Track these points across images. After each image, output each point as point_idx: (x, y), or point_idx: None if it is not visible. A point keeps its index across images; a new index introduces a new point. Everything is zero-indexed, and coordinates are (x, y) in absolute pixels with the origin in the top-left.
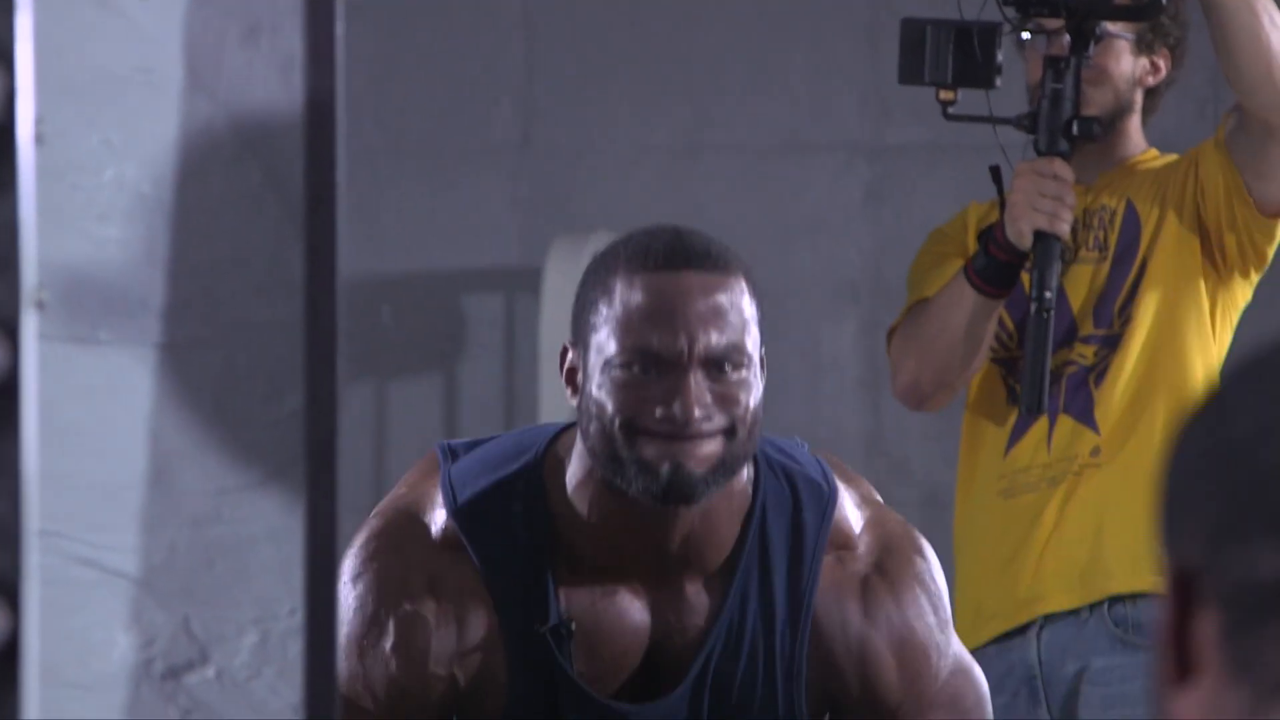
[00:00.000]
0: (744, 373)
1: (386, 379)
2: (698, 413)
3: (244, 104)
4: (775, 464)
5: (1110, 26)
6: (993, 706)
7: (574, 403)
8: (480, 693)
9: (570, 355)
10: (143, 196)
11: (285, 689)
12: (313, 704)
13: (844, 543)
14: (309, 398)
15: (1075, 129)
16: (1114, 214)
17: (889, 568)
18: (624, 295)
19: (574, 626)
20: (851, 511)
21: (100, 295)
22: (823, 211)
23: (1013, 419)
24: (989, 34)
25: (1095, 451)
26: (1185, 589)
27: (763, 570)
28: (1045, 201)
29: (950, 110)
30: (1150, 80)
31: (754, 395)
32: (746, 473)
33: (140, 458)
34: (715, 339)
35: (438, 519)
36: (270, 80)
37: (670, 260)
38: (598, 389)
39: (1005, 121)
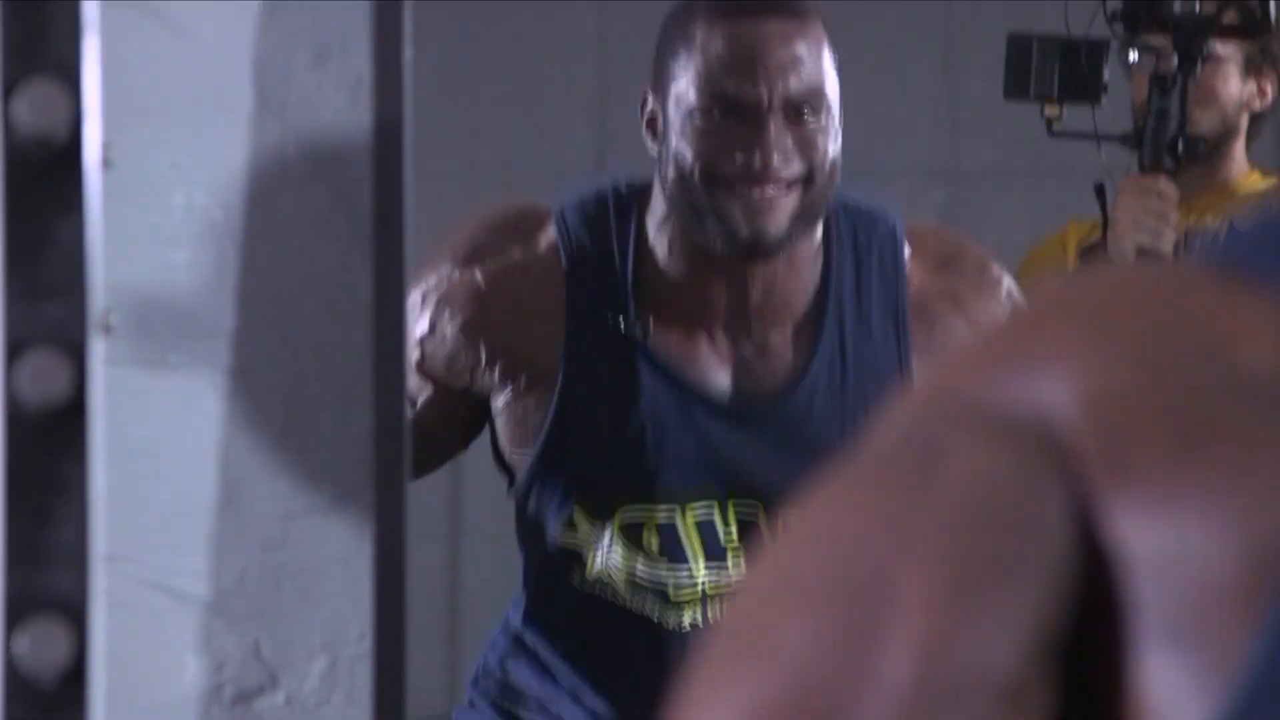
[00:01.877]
0: (823, 119)
1: None
2: (777, 158)
3: (313, 126)
4: (842, 208)
5: (1219, 48)
6: None
7: (654, 151)
8: (533, 383)
9: (650, 102)
10: (212, 220)
11: (355, 714)
12: None
13: (922, 251)
14: (377, 419)
15: (1181, 148)
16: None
17: (973, 278)
18: (704, 42)
19: (651, 332)
20: (925, 231)
21: (169, 319)
22: None
23: None
24: (1097, 50)
25: None
26: None
27: (849, 302)
28: (1149, 219)
29: (1054, 127)
30: (1257, 104)
31: (833, 142)
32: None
33: (209, 481)
34: (795, 85)
35: (547, 228)
36: (339, 102)
37: (750, 6)
38: (678, 137)
39: (1110, 139)
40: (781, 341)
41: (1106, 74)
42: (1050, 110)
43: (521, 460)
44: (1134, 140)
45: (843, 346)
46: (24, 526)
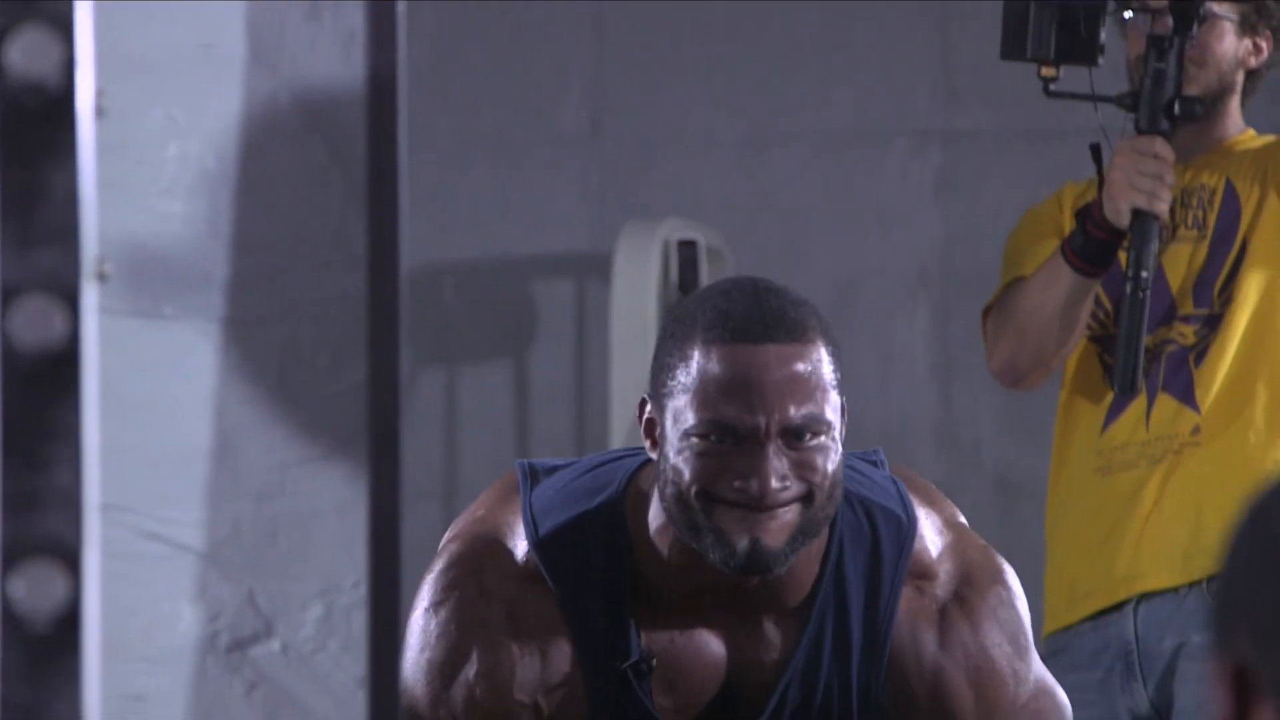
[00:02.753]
0: (822, 438)
1: (456, 367)
2: (774, 484)
3: (306, 79)
4: (852, 496)
5: (1214, 7)
6: (1088, 682)
7: (653, 455)
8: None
9: (649, 408)
10: (206, 172)
11: (349, 662)
12: (376, 677)
13: (923, 572)
14: (372, 371)
15: (1177, 108)
16: (1213, 194)
17: (968, 597)
18: (701, 365)
19: (654, 663)
20: (931, 539)
21: (164, 270)
22: (893, 199)
23: (1110, 397)
24: (1094, 11)
25: (1196, 431)
26: (1243, 685)
27: (839, 606)
28: (1145, 180)
29: (1051, 88)
30: (1252, 61)
31: (832, 459)
32: None
33: (204, 432)
34: (793, 412)
35: (519, 549)
36: (332, 55)
37: (748, 331)
38: (676, 454)
39: (1106, 100)
40: (772, 628)
41: (1103, 36)
42: (1047, 71)
43: None
44: (1130, 101)
45: (820, 645)
46: (19, 471)
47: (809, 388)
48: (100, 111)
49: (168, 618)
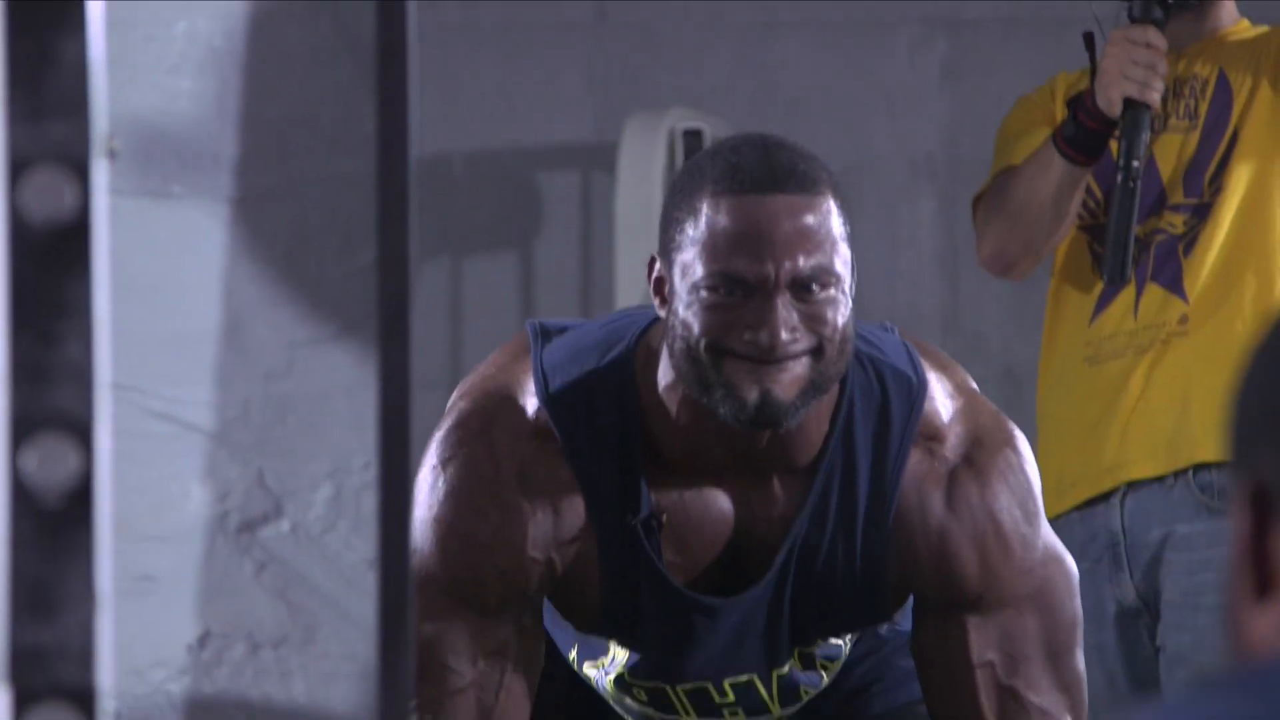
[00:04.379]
0: (832, 291)
1: (462, 256)
2: (784, 336)
3: None
4: (863, 357)
5: None
6: (1076, 573)
7: (662, 313)
8: (577, 580)
9: (658, 267)
10: (214, 49)
11: (359, 543)
12: (387, 557)
13: (933, 434)
14: (382, 252)
15: None
16: (1205, 83)
17: (977, 459)
18: (710, 217)
19: (664, 519)
20: (942, 402)
21: (173, 149)
22: (900, 87)
23: (1099, 287)
24: None
25: (1183, 320)
26: (1262, 504)
27: (847, 464)
28: (1137, 69)
29: None
30: None
31: (842, 312)
32: None
33: (213, 312)
34: (802, 262)
35: (529, 405)
36: None
37: (757, 182)
38: (685, 309)
39: None
40: (781, 486)
41: None
42: None
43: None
44: None
45: (826, 503)
46: (30, 344)
47: (818, 238)
48: None
49: (177, 498)
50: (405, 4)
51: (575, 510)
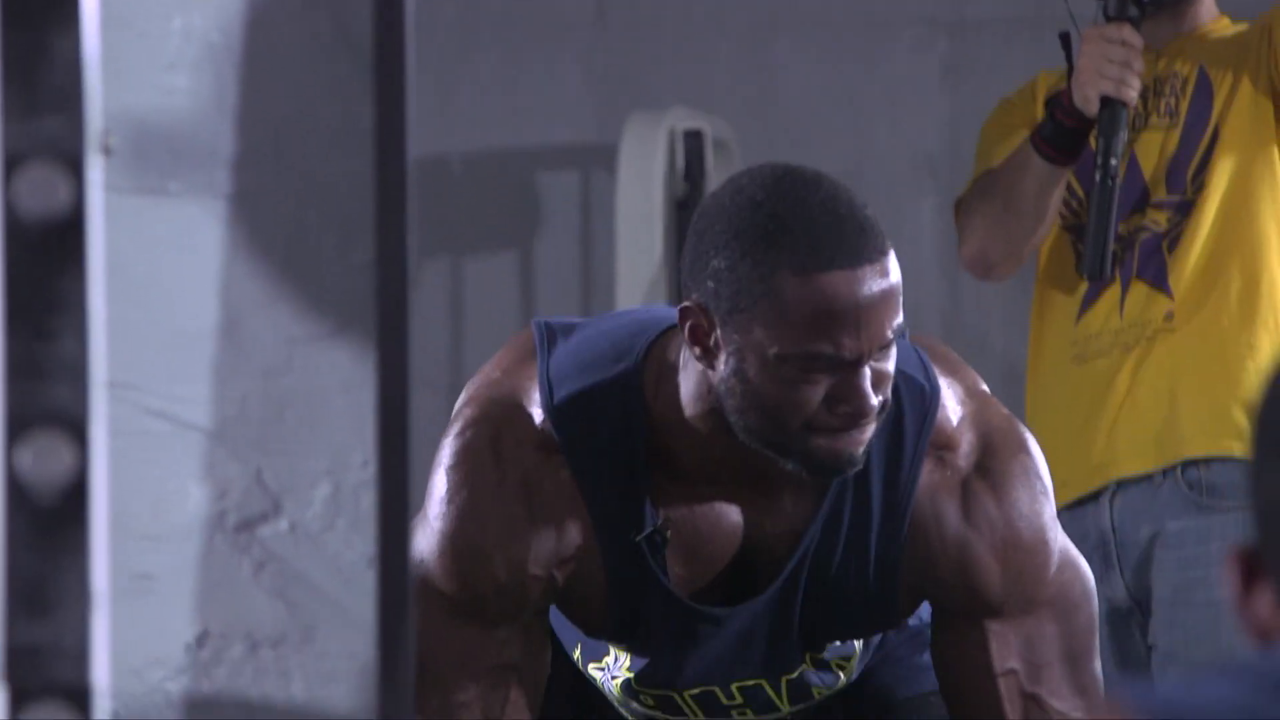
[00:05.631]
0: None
1: (462, 256)
2: (872, 402)
3: None
4: None
5: None
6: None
7: (701, 364)
8: (580, 594)
9: (705, 319)
10: (211, 46)
11: (358, 541)
12: (385, 556)
13: (945, 443)
14: (380, 248)
15: None
16: (1185, 81)
17: (991, 467)
18: (798, 293)
19: (669, 534)
20: (953, 408)
21: (169, 146)
22: (900, 87)
23: (1084, 286)
24: None
25: (1169, 316)
26: (1247, 564)
27: (859, 476)
28: (1112, 68)
29: None
30: None
31: (895, 358)
32: None
33: (211, 309)
34: (889, 330)
35: (535, 415)
36: None
37: (838, 257)
38: (760, 377)
39: None
40: (791, 498)
41: None
42: None
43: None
44: None
45: (839, 515)
46: (25, 340)
47: (897, 302)
48: None
49: (175, 496)
50: (403, 1)
51: (579, 526)
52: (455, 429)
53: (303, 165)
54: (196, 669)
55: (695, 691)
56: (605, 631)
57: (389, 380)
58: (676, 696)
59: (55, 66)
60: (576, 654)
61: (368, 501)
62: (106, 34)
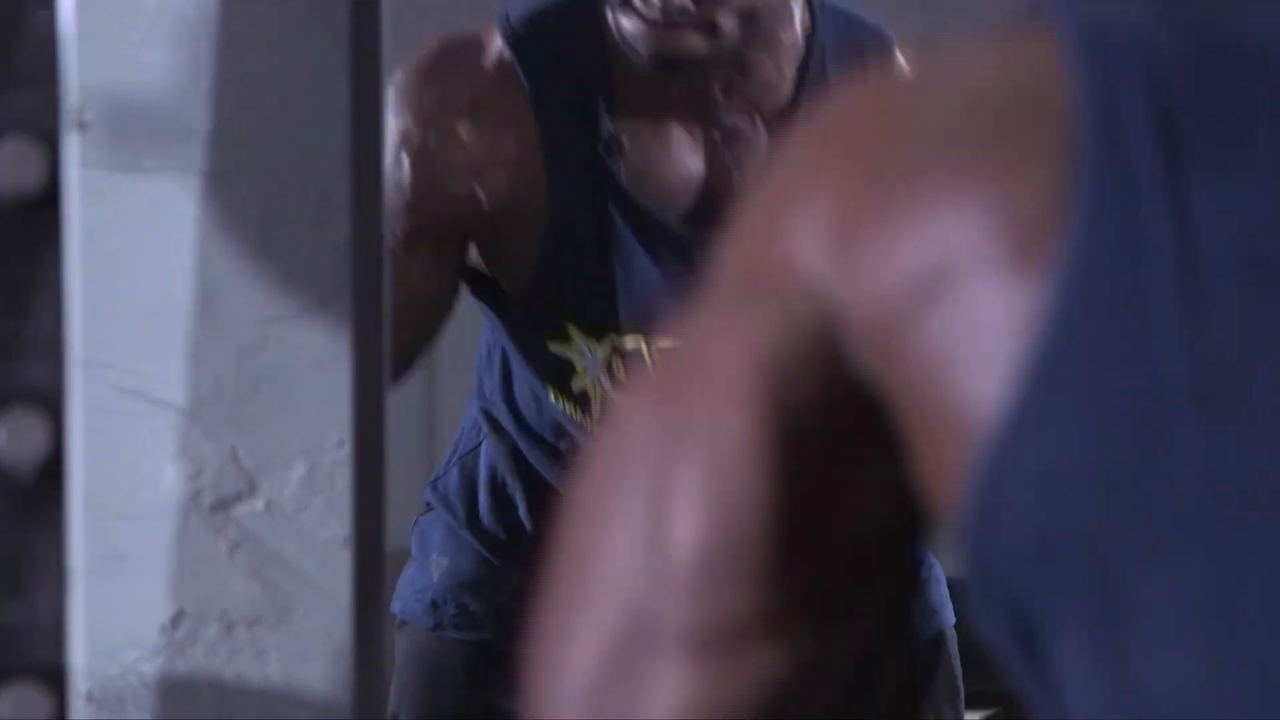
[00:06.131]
0: None
1: None
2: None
3: None
4: (836, 12)
5: None
6: None
7: None
8: (517, 214)
9: None
10: (185, 20)
11: (334, 521)
12: (362, 535)
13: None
14: (355, 226)
15: None
16: None
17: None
18: None
19: (624, 143)
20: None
21: (144, 122)
22: None
23: None
24: None
25: None
26: None
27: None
28: None
29: None
30: None
31: None
32: (801, 17)
33: (185, 287)
34: None
35: (491, 47)
36: None
37: None
38: None
39: None
40: (754, 134)
41: None
42: None
43: (510, 278)
44: None
45: None
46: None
47: None
48: None
49: (149, 475)
50: None
51: (527, 140)
52: (406, 65)
53: (278, 142)
54: (171, 648)
55: (629, 343)
56: (537, 267)
57: (365, 358)
58: (604, 353)
59: (30, 42)
60: (570, 330)
61: (344, 481)
62: (82, 9)
